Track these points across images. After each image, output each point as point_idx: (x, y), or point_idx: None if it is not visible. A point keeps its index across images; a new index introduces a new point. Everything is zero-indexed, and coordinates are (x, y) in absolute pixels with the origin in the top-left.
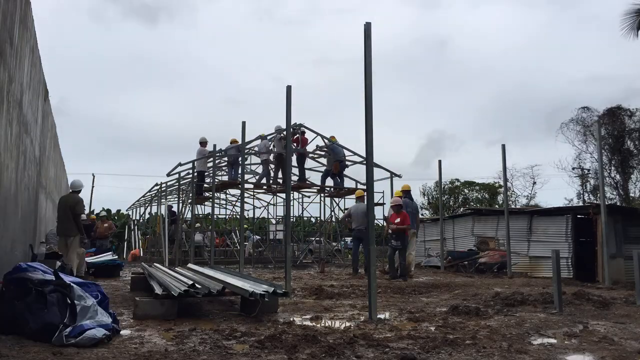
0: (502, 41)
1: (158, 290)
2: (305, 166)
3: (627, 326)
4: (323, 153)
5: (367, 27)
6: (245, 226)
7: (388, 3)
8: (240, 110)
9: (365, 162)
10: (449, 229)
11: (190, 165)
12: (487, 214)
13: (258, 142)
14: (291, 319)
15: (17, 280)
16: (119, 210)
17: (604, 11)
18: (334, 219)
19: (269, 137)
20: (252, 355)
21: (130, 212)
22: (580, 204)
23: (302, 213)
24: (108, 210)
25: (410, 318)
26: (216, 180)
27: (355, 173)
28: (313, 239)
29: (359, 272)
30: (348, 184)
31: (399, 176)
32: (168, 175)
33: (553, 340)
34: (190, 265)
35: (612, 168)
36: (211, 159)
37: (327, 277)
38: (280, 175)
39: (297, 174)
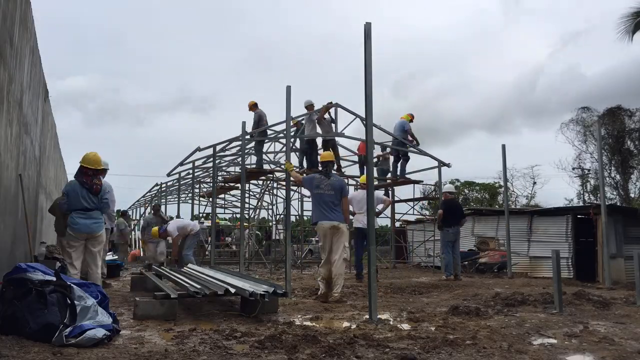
0: None
1: (171, 290)
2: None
3: (628, 326)
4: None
5: (367, 27)
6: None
7: None
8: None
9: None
10: None
11: (190, 165)
12: (487, 214)
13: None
14: (291, 319)
15: (17, 280)
16: (119, 210)
17: None
18: None
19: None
20: (252, 356)
21: (130, 212)
22: (581, 204)
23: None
24: None
25: (411, 318)
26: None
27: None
28: (313, 239)
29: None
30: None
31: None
32: (168, 175)
33: (553, 341)
34: (190, 265)
35: (612, 168)
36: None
37: None
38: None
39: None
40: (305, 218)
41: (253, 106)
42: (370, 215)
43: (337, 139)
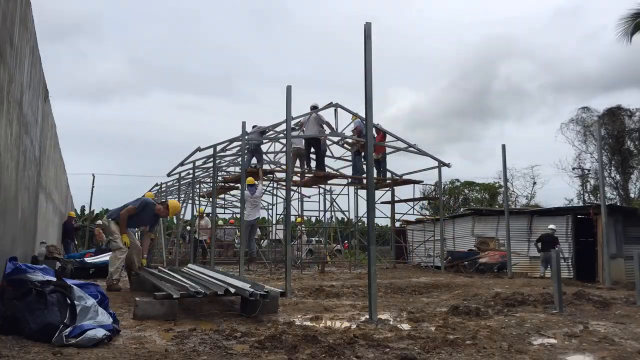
0: None
1: (171, 290)
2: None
3: (628, 326)
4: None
5: (367, 28)
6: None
7: None
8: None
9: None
10: (449, 229)
11: (190, 165)
12: (487, 214)
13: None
14: (291, 319)
15: (17, 280)
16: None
17: None
18: (334, 219)
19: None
20: (252, 356)
21: None
22: (581, 204)
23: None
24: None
25: (411, 318)
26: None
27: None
28: (313, 239)
29: None
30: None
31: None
32: (168, 175)
33: (553, 341)
34: (190, 265)
35: (612, 168)
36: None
37: (327, 278)
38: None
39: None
40: (305, 218)
41: None
42: (370, 215)
43: (336, 138)
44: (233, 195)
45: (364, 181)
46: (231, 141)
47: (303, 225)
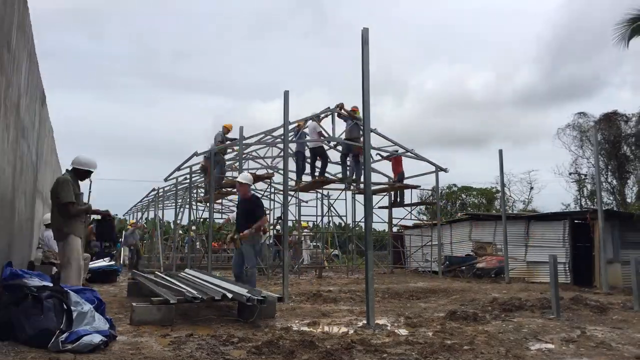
0: None
1: (168, 296)
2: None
3: (625, 331)
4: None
5: (365, 33)
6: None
7: None
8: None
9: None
10: (447, 234)
11: (187, 170)
12: (485, 219)
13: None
14: (288, 325)
15: (14, 286)
16: (115, 215)
17: None
18: (331, 224)
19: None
20: None
21: (127, 217)
22: (577, 209)
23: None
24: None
25: (408, 323)
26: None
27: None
28: (312, 243)
29: None
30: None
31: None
32: (165, 180)
33: (551, 346)
34: (187, 270)
35: (609, 173)
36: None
37: (324, 283)
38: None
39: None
40: (303, 223)
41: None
42: (367, 220)
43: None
44: (230, 201)
45: (361, 186)
46: (228, 146)
47: (307, 229)
